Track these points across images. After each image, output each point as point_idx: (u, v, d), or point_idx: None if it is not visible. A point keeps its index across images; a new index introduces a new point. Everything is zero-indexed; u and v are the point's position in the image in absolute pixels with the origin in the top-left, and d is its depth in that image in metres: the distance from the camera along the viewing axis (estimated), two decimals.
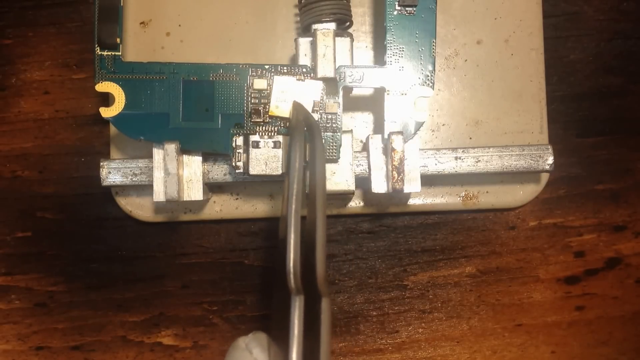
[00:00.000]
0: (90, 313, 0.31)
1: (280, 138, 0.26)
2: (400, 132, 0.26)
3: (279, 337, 0.21)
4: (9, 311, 0.31)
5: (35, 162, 0.31)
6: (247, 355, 0.22)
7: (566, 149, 0.31)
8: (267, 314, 0.31)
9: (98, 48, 0.27)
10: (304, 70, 0.27)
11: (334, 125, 0.27)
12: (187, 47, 0.30)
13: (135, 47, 0.30)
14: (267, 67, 0.27)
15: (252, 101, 0.27)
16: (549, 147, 0.28)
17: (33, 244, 0.31)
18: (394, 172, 0.26)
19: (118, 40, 0.27)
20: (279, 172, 0.26)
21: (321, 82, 0.27)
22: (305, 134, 0.23)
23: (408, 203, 0.30)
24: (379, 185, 0.27)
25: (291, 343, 0.19)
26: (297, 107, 0.26)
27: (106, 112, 0.27)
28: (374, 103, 0.30)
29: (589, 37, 0.32)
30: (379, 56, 0.30)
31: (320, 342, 0.19)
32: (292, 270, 0.20)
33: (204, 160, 0.27)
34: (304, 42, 0.27)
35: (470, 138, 0.30)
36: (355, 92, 0.30)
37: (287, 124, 0.26)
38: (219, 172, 0.28)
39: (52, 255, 0.31)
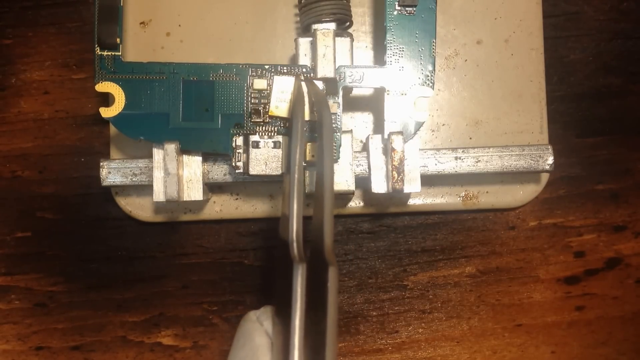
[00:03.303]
0: (90, 313, 0.31)
1: (280, 138, 0.26)
2: (400, 132, 0.26)
3: (283, 311, 0.21)
4: (9, 311, 0.31)
5: (35, 162, 0.31)
6: (258, 326, 0.23)
7: (566, 149, 0.31)
8: None
9: (98, 48, 0.27)
10: (304, 70, 0.27)
11: (333, 125, 0.27)
12: (187, 47, 0.30)
13: (135, 47, 0.30)
14: (267, 67, 0.27)
15: (252, 101, 0.27)
16: (549, 147, 0.28)
17: (33, 244, 0.31)
18: (394, 172, 0.26)
19: (118, 40, 0.27)
20: (279, 172, 0.26)
21: (321, 82, 0.27)
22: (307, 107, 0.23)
23: (408, 203, 0.30)
24: (379, 186, 0.27)
25: (294, 312, 0.19)
26: (307, 86, 0.26)
27: (106, 112, 0.27)
28: (374, 103, 0.30)
29: (589, 37, 0.32)
30: (379, 56, 0.30)
31: (327, 311, 0.18)
32: (295, 238, 0.20)
33: (204, 160, 0.27)
34: (304, 42, 0.27)
35: (470, 138, 0.30)
36: (355, 92, 0.30)
37: (288, 123, 0.26)
38: (219, 172, 0.28)
39: (52, 255, 0.31)
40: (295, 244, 0.20)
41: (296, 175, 0.21)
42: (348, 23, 0.28)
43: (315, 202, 0.21)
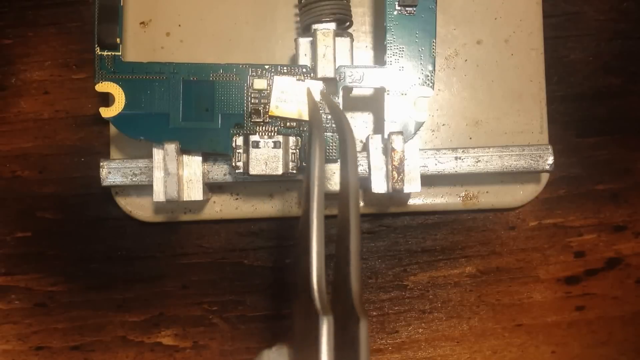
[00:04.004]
0: (90, 313, 0.31)
1: (280, 138, 0.26)
2: (400, 132, 0.26)
3: (303, 356, 0.19)
4: (9, 311, 0.31)
5: (35, 162, 0.31)
6: None
7: (566, 149, 0.31)
8: (267, 314, 0.31)
9: (98, 48, 0.27)
10: (304, 70, 0.27)
11: (334, 125, 0.27)
12: (187, 47, 0.30)
13: (135, 47, 0.30)
14: (267, 67, 0.27)
15: (252, 101, 0.27)
16: (549, 147, 0.28)
17: (33, 244, 0.31)
18: (394, 172, 0.26)
19: (118, 40, 0.27)
20: (279, 172, 0.26)
21: (321, 82, 0.27)
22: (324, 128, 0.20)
23: (408, 203, 0.30)
24: (379, 185, 0.27)
25: None
26: (322, 98, 0.24)
27: (106, 112, 0.27)
28: (374, 103, 0.30)
29: (589, 37, 0.32)
30: (379, 56, 0.30)
31: None
32: (316, 287, 0.18)
33: (204, 160, 0.27)
34: (304, 42, 0.27)
35: (470, 138, 0.30)
36: (355, 92, 0.30)
37: (288, 123, 0.26)
38: (219, 172, 0.28)
39: (52, 255, 0.31)
40: (317, 294, 0.18)
41: (315, 211, 0.18)
42: (348, 23, 0.28)
43: (337, 238, 0.19)
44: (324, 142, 0.19)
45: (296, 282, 0.20)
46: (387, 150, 0.27)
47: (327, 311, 0.17)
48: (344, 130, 0.20)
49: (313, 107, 0.24)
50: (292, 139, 0.26)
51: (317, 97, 0.25)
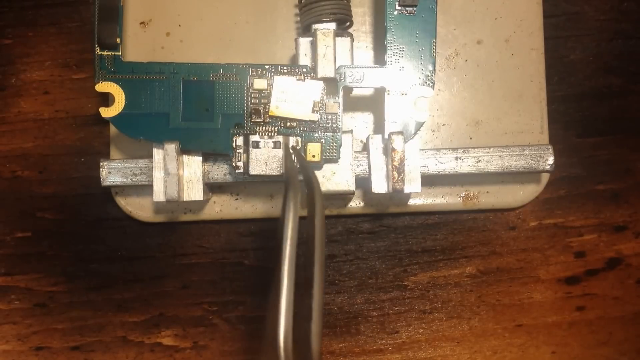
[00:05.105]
0: (90, 313, 0.31)
1: (280, 138, 0.26)
2: (401, 132, 0.26)
3: None
4: (9, 311, 0.31)
5: (35, 162, 0.31)
6: None
7: (566, 149, 0.31)
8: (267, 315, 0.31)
9: (98, 48, 0.27)
10: (304, 70, 0.27)
11: (334, 125, 0.27)
12: (187, 47, 0.30)
13: (135, 47, 0.30)
14: (267, 67, 0.27)
15: (252, 101, 0.27)
16: (550, 147, 0.28)
17: (33, 244, 0.31)
18: (394, 172, 0.26)
19: (118, 40, 0.27)
20: (279, 172, 0.26)
21: (321, 82, 0.27)
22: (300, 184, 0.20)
23: (408, 203, 0.30)
24: (379, 186, 0.27)
25: None
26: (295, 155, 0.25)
27: (106, 112, 0.27)
28: (374, 103, 0.30)
29: (589, 37, 0.32)
30: (379, 56, 0.30)
31: None
32: (282, 345, 0.18)
33: (204, 160, 0.27)
34: (304, 42, 0.27)
35: (471, 138, 0.30)
36: (356, 92, 0.30)
37: (288, 123, 0.26)
38: (219, 172, 0.28)
39: (52, 256, 0.31)
40: (282, 353, 0.18)
41: (286, 264, 0.18)
42: (348, 23, 0.28)
43: (304, 289, 0.19)
44: (298, 200, 0.20)
45: (265, 327, 0.19)
46: (388, 150, 0.27)
47: None
48: (312, 183, 0.20)
49: (290, 165, 0.24)
50: (292, 139, 0.26)
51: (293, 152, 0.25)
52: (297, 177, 0.22)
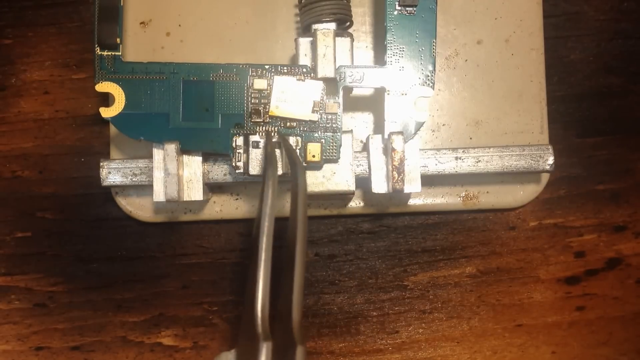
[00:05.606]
0: (90, 313, 0.31)
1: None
2: (401, 132, 0.26)
3: None
4: (9, 311, 0.31)
5: (35, 162, 0.31)
6: None
7: (566, 149, 0.31)
8: None
9: (98, 48, 0.27)
10: (304, 70, 0.27)
11: (334, 125, 0.27)
12: (187, 47, 0.30)
13: (135, 47, 0.30)
14: (267, 67, 0.27)
15: (252, 101, 0.27)
16: (550, 147, 0.28)
17: (33, 244, 0.31)
18: (394, 172, 0.26)
19: (118, 40, 0.27)
20: (279, 172, 0.26)
21: (321, 82, 0.27)
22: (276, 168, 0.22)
23: (408, 203, 0.30)
24: (379, 186, 0.27)
25: None
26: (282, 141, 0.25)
27: (106, 112, 0.27)
28: (374, 103, 0.30)
29: (589, 37, 0.32)
30: (379, 56, 0.30)
31: None
32: (259, 314, 0.18)
33: (204, 160, 0.27)
34: (304, 42, 0.27)
35: (471, 138, 0.30)
36: (356, 92, 0.30)
37: (288, 123, 0.26)
38: (219, 172, 0.28)
39: (52, 256, 0.31)
40: (259, 321, 0.18)
41: (264, 241, 0.19)
42: (348, 23, 0.28)
43: (286, 265, 0.19)
44: (276, 179, 0.21)
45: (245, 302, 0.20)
46: (388, 150, 0.27)
47: (267, 337, 0.18)
48: (295, 165, 0.21)
49: (271, 150, 0.24)
50: (292, 139, 0.26)
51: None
52: (277, 158, 0.23)
